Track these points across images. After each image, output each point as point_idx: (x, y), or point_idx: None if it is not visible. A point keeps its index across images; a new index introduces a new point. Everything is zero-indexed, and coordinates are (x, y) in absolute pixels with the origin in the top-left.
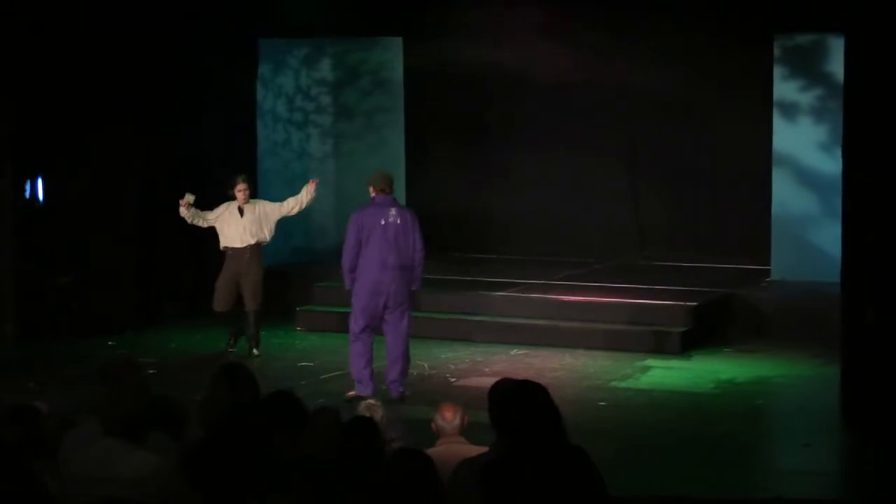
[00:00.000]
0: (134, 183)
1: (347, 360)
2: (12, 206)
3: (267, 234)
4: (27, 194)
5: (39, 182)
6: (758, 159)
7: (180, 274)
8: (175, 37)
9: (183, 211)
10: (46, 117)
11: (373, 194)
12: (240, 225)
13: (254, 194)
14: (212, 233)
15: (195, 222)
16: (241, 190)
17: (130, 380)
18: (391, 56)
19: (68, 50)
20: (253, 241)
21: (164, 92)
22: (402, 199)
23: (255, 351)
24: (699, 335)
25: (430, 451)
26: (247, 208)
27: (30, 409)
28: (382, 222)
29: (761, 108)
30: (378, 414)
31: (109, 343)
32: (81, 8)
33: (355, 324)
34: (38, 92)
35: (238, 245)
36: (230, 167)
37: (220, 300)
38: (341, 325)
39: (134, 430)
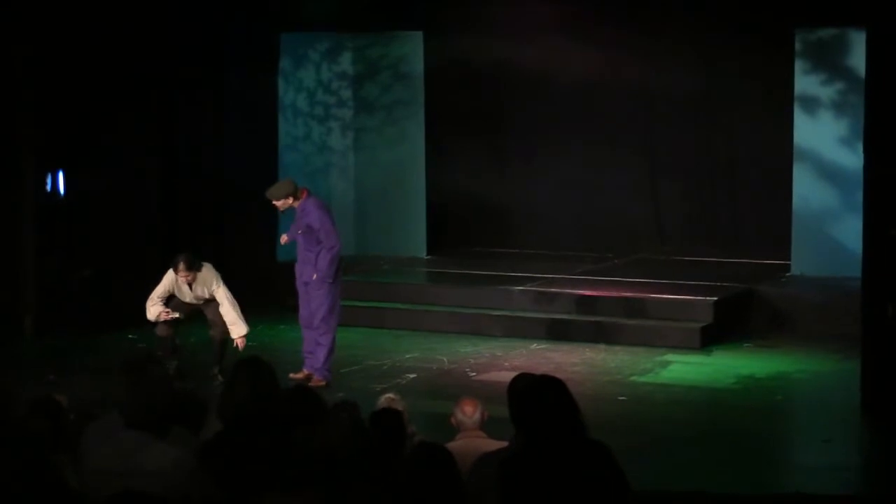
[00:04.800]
0: (155, 176)
1: (332, 353)
2: (33, 199)
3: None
4: (48, 188)
5: (60, 176)
6: (778, 154)
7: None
8: (196, 31)
9: (161, 313)
10: (67, 112)
11: (301, 198)
12: (188, 296)
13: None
14: (234, 226)
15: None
16: (181, 273)
17: (153, 373)
18: (411, 50)
19: (88, 44)
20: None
21: (186, 86)
22: (421, 194)
23: (219, 377)
24: (719, 330)
25: (450, 446)
26: (195, 287)
27: (51, 402)
28: None
29: (782, 103)
30: (399, 407)
31: (129, 336)
32: (101, 3)
33: (339, 314)
34: (58, 86)
35: (183, 313)
36: (251, 161)
37: (162, 326)
38: (357, 319)
39: (156, 424)
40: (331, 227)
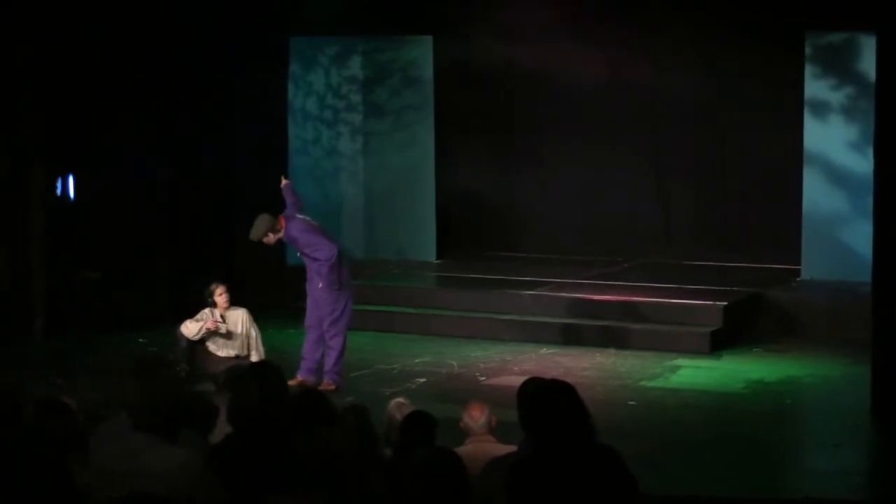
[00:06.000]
0: (163, 179)
1: (342, 356)
2: (41, 202)
3: (254, 355)
4: (58, 191)
5: (70, 179)
6: (788, 158)
7: (211, 270)
8: (207, 34)
9: (209, 322)
10: (77, 114)
11: (282, 228)
12: (221, 336)
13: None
14: (243, 229)
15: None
16: (220, 294)
17: (164, 376)
18: (421, 54)
19: (97, 48)
20: (232, 354)
21: (196, 89)
22: (431, 198)
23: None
24: (729, 335)
25: (459, 450)
26: (229, 315)
27: (59, 404)
28: None
29: (792, 107)
30: (407, 411)
31: (140, 339)
32: (110, 6)
33: (350, 318)
34: (68, 89)
35: (222, 354)
36: (261, 165)
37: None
38: (366, 322)
39: (166, 426)
40: (320, 240)
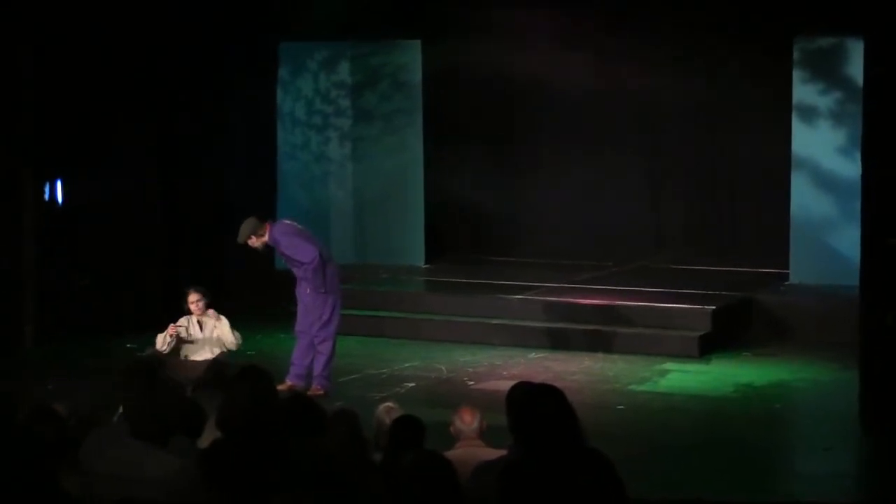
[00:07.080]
0: (155, 185)
1: (331, 361)
2: (33, 209)
3: (229, 338)
4: (46, 196)
5: (59, 184)
6: (777, 162)
7: (201, 275)
8: (196, 39)
9: (170, 326)
10: (66, 119)
11: (266, 232)
12: (201, 339)
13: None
14: (233, 234)
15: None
16: (193, 301)
17: (161, 382)
18: (410, 59)
19: (87, 52)
20: (210, 357)
21: (185, 94)
22: (419, 203)
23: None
24: (718, 339)
25: (449, 454)
26: (206, 321)
27: (48, 411)
28: None
29: (780, 112)
30: (396, 416)
31: (128, 345)
32: (101, 12)
33: (338, 322)
34: (57, 94)
35: (198, 358)
36: (250, 169)
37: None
38: (355, 327)
39: (160, 432)
40: (302, 243)
